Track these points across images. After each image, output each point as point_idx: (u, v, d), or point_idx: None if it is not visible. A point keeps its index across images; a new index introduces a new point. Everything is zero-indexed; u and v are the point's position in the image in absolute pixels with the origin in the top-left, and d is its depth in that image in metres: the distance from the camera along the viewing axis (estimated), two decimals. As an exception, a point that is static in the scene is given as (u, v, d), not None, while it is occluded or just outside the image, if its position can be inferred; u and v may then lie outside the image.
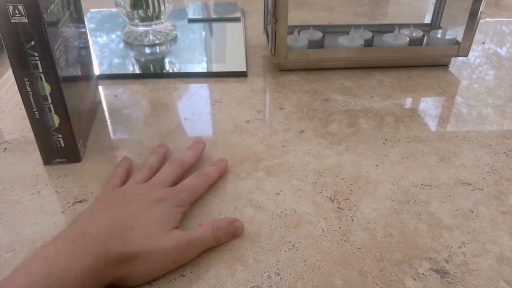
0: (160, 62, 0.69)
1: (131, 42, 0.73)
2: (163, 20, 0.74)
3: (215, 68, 0.66)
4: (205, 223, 0.39)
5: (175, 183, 0.40)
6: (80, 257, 0.29)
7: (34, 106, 0.42)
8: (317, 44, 0.66)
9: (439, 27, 0.73)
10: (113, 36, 0.76)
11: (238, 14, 0.84)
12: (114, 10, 0.84)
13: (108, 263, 0.30)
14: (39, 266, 0.27)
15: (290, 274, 0.35)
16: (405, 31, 0.69)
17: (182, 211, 0.38)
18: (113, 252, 0.30)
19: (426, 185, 0.44)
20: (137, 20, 0.73)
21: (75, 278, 0.28)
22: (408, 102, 0.59)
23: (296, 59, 0.64)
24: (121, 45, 0.73)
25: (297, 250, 0.37)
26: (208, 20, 0.83)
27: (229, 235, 0.37)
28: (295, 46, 0.64)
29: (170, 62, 0.68)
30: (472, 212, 0.41)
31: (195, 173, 0.42)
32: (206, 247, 0.36)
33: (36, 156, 0.46)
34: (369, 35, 0.67)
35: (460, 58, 0.70)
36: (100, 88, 0.61)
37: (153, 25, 0.74)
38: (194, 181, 0.41)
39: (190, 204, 0.40)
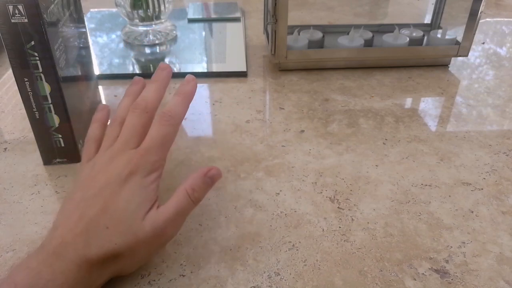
0: (160, 62, 0.68)
1: (131, 42, 0.73)
2: (163, 20, 0.74)
3: (215, 68, 0.66)
4: (177, 188, 0.34)
5: (144, 134, 0.35)
6: (62, 267, 0.29)
7: (34, 106, 0.42)
8: (317, 44, 0.66)
9: (439, 27, 0.73)
10: (113, 36, 0.76)
11: (238, 14, 0.84)
12: (114, 10, 0.84)
13: (92, 269, 0.30)
14: (23, 277, 0.27)
15: (290, 274, 0.35)
16: (405, 31, 0.69)
17: (155, 177, 0.34)
18: (94, 258, 0.30)
19: (426, 185, 0.44)
20: (137, 20, 0.73)
21: (60, 287, 0.28)
22: (408, 102, 0.59)
23: (296, 59, 0.64)
24: (121, 45, 0.73)
25: (297, 250, 0.37)
26: (208, 20, 0.83)
27: (207, 189, 0.35)
28: (295, 46, 0.64)
29: (170, 62, 0.68)
30: (472, 212, 0.41)
31: (157, 118, 0.36)
32: (187, 214, 0.34)
33: (36, 156, 0.46)
34: (369, 35, 0.67)
35: (460, 58, 0.70)
36: (100, 88, 0.61)
37: (153, 25, 0.74)
38: (160, 132, 0.35)
39: (163, 160, 0.35)
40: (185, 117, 0.54)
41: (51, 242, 0.30)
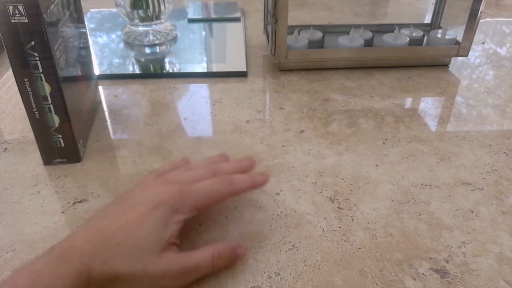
0: (160, 62, 0.69)
1: (131, 42, 0.73)
2: (163, 20, 0.74)
3: (215, 68, 0.66)
4: (204, 246, 0.34)
5: None
6: (63, 273, 0.28)
7: (34, 106, 0.42)
8: (317, 44, 0.66)
9: (439, 27, 0.73)
10: (113, 36, 0.76)
11: (238, 14, 0.84)
12: (114, 10, 0.84)
13: (90, 282, 0.29)
14: (23, 280, 0.27)
15: (290, 274, 0.35)
16: (405, 31, 0.69)
17: (180, 219, 0.33)
18: (96, 271, 0.29)
19: (426, 185, 0.44)
20: (137, 20, 0.73)
21: None
22: (408, 102, 0.59)
23: (296, 59, 0.64)
24: (121, 45, 0.73)
25: (297, 250, 0.37)
26: (208, 20, 0.83)
27: (229, 263, 0.34)
28: (295, 46, 0.64)
29: (170, 62, 0.68)
30: (472, 212, 0.41)
31: (220, 176, 0.36)
32: (201, 275, 0.33)
33: (36, 156, 0.46)
34: (369, 35, 0.67)
35: (460, 58, 0.70)
36: (100, 88, 0.61)
37: (153, 25, 0.74)
38: (212, 186, 0.35)
39: (196, 210, 0.34)
40: (185, 117, 0.55)
41: (61, 245, 0.30)
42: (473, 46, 0.72)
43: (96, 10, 0.87)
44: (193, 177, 0.36)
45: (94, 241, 0.30)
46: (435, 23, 0.73)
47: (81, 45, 0.51)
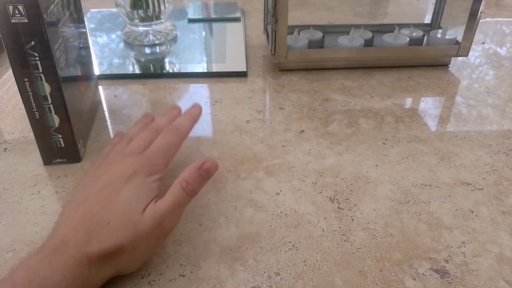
0: (160, 62, 0.69)
1: (131, 42, 0.73)
2: (163, 20, 0.74)
3: (215, 68, 0.66)
4: (174, 182, 0.35)
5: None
6: (61, 263, 0.29)
7: (34, 106, 0.42)
8: (317, 44, 0.66)
9: (439, 27, 0.73)
10: (113, 36, 0.76)
11: (238, 14, 0.84)
12: (114, 10, 0.84)
13: (91, 265, 0.30)
14: (22, 275, 0.28)
15: (290, 274, 0.35)
16: (405, 31, 0.69)
17: (157, 178, 0.35)
18: (94, 253, 0.30)
19: (426, 185, 0.44)
20: (137, 20, 0.73)
21: (58, 283, 0.28)
22: (408, 102, 0.59)
23: (296, 59, 0.64)
24: (121, 45, 0.73)
25: (297, 250, 0.37)
26: (208, 20, 0.83)
27: (203, 182, 0.36)
28: (295, 46, 0.64)
29: (170, 62, 0.68)
30: (472, 212, 0.41)
31: (165, 130, 0.39)
32: (184, 207, 0.35)
33: (36, 156, 0.46)
34: (369, 35, 0.67)
35: (460, 58, 0.70)
36: (100, 88, 0.61)
37: (153, 25, 0.74)
38: (165, 140, 0.38)
39: (166, 166, 0.37)
40: (185, 117, 0.55)
41: (52, 241, 0.30)
42: (473, 46, 0.72)
43: (96, 10, 0.87)
44: (141, 143, 0.38)
45: (84, 228, 0.31)
46: (435, 23, 0.73)
47: (81, 45, 0.51)
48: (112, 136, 0.52)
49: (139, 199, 0.33)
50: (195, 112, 0.43)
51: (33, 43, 0.39)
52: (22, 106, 0.42)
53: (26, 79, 0.40)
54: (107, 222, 0.31)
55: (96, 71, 0.64)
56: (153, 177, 0.35)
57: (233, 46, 0.72)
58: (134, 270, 0.34)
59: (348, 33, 0.67)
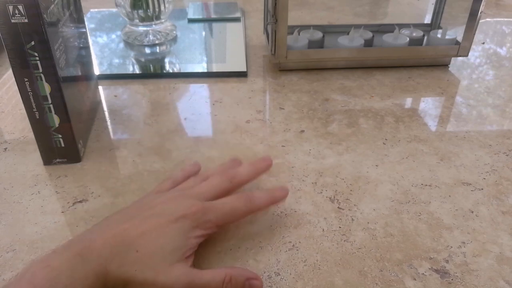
0: (160, 62, 0.69)
1: (131, 42, 0.73)
2: (163, 20, 0.74)
3: (215, 68, 0.66)
4: (219, 268, 0.34)
5: (217, 197, 0.36)
6: (82, 274, 0.29)
7: (34, 106, 0.42)
8: (317, 44, 0.66)
9: (439, 27, 0.73)
10: (113, 36, 0.76)
11: (238, 14, 0.84)
12: (114, 10, 0.84)
13: (106, 283, 0.30)
14: (43, 277, 0.27)
15: (290, 274, 0.35)
16: (405, 31, 0.69)
17: (202, 234, 0.34)
18: (112, 274, 0.30)
19: (426, 185, 0.44)
20: (137, 20, 0.73)
21: None
22: (408, 102, 0.59)
23: (296, 59, 0.64)
24: (121, 45, 0.73)
25: (297, 250, 0.37)
26: (208, 20, 0.83)
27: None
28: (295, 46, 0.64)
29: (170, 62, 0.68)
30: (472, 212, 0.41)
31: (240, 194, 0.37)
32: None
33: (36, 156, 0.46)
34: (369, 35, 0.67)
35: (460, 58, 0.70)
36: (100, 88, 0.61)
37: (153, 25, 0.74)
38: (233, 204, 0.36)
39: (217, 227, 0.35)
40: (185, 117, 0.55)
41: (80, 242, 0.30)
42: (473, 46, 0.71)
43: (96, 10, 0.87)
44: (211, 189, 0.37)
45: (113, 244, 0.31)
46: (435, 23, 0.73)
47: (81, 45, 0.51)
48: (112, 136, 0.52)
49: (175, 248, 0.32)
50: (279, 195, 0.39)
51: (33, 43, 0.39)
52: (22, 106, 0.42)
53: (26, 79, 0.40)
54: (136, 250, 0.31)
55: (96, 71, 0.64)
56: (198, 232, 0.33)
57: (233, 46, 0.72)
58: None
59: (348, 33, 0.67)
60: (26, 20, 0.37)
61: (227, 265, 0.35)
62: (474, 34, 0.63)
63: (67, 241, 0.31)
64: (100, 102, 0.58)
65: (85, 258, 0.29)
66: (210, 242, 0.37)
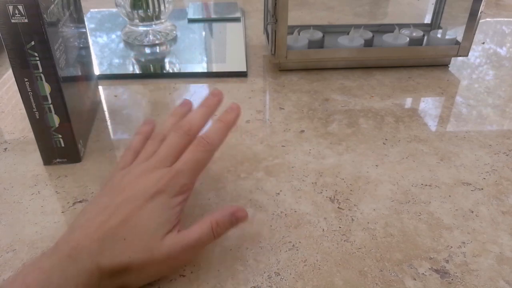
0: (160, 62, 0.69)
1: (131, 42, 0.73)
2: (163, 20, 0.74)
3: (215, 68, 0.66)
4: (202, 218, 0.34)
5: (180, 155, 0.36)
6: (74, 272, 0.29)
7: (34, 106, 0.42)
8: (317, 44, 0.66)
9: (439, 27, 0.73)
10: (113, 36, 0.76)
11: (238, 14, 0.84)
12: (114, 10, 0.84)
13: (102, 277, 0.30)
14: (34, 278, 0.28)
15: (290, 274, 0.35)
16: (405, 31, 0.69)
17: (181, 200, 0.34)
18: (106, 267, 0.30)
19: (426, 185, 0.44)
20: (137, 20, 0.73)
21: None
22: (408, 102, 0.59)
23: (296, 59, 0.64)
24: (121, 45, 0.73)
25: (297, 250, 0.37)
26: (208, 20, 0.83)
27: (230, 227, 0.34)
28: (295, 46, 0.64)
29: (170, 62, 0.68)
30: (472, 212, 0.41)
31: (195, 142, 0.36)
32: (205, 245, 0.34)
33: (36, 156, 0.46)
34: (369, 35, 0.67)
35: (460, 58, 0.70)
36: (100, 88, 0.61)
37: (153, 25, 0.74)
38: (195, 156, 0.35)
39: (192, 186, 0.35)
40: (185, 117, 0.55)
41: (67, 244, 0.30)
42: (473, 46, 0.71)
43: (96, 10, 0.87)
44: (171, 151, 0.36)
45: (99, 239, 0.31)
46: (435, 23, 0.73)
47: (81, 45, 0.51)
48: (112, 136, 0.52)
49: (160, 225, 0.32)
50: (231, 119, 0.39)
51: (33, 43, 0.39)
52: (22, 106, 0.42)
53: (26, 79, 0.40)
54: (123, 238, 0.31)
55: (96, 71, 0.64)
56: (178, 199, 0.34)
57: (233, 46, 0.72)
58: (138, 286, 0.33)
59: (348, 33, 0.67)
60: (26, 20, 0.37)
61: (209, 213, 0.35)
62: (474, 34, 0.63)
63: (54, 244, 0.31)
64: (100, 102, 0.58)
65: (75, 258, 0.29)
66: (210, 242, 0.37)
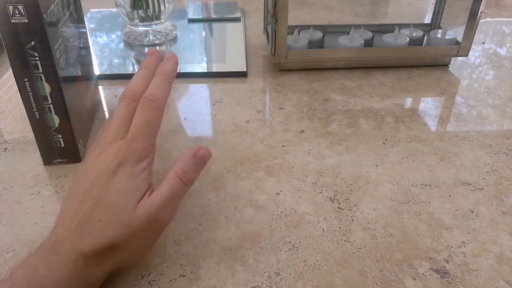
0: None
1: (131, 42, 0.73)
2: (163, 20, 0.74)
3: (215, 68, 0.66)
4: (168, 172, 0.33)
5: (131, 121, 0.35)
6: (59, 263, 0.29)
7: (34, 106, 0.42)
8: (317, 44, 0.66)
9: (439, 27, 0.73)
10: (113, 36, 0.76)
11: (238, 14, 0.84)
12: (114, 10, 0.84)
13: (88, 263, 0.30)
14: (21, 274, 0.28)
15: (290, 274, 0.35)
16: (405, 31, 0.69)
17: (146, 164, 0.33)
18: (89, 251, 0.30)
19: (426, 185, 0.44)
20: (137, 20, 0.73)
21: (57, 282, 0.28)
22: (408, 102, 0.59)
23: (296, 59, 0.64)
24: (121, 45, 0.73)
25: (297, 250, 0.37)
26: (208, 20, 0.83)
27: (199, 170, 0.34)
28: (295, 46, 0.64)
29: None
30: (472, 212, 0.41)
31: (140, 105, 0.35)
32: (181, 198, 0.33)
33: (36, 156, 0.46)
34: (369, 35, 0.67)
35: (460, 58, 0.70)
36: (100, 88, 0.61)
37: (153, 25, 0.74)
38: (143, 118, 0.34)
39: (153, 146, 0.34)
40: (185, 117, 0.55)
41: (49, 240, 0.31)
42: (473, 46, 0.71)
43: (96, 10, 0.87)
44: (120, 122, 0.35)
45: (76, 229, 0.31)
46: (435, 23, 0.73)
47: (81, 45, 0.51)
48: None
49: (130, 195, 0.32)
50: (168, 69, 0.37)
51: (33, 43, 0.39)
52: (22, 106, 0.42)
53: (26, 79, 0.40)
54: (99, 220, 0.31)
55: (96, 71, 0.64)
56: (141, 165, 0.33)
57: (233, 46, 0.72)
58: (134, 264, 0.33)
59: (348, 33, 0.67)
60: (26, 20, 0.37)
61: (172, 167, 0.34)
62: (474, 34, 0.63)
63: (40, 244, 0.31)
64: (100, 102, 0.58)
65: (58, 251, 0.29)
66: (210, 242, 0.37)
